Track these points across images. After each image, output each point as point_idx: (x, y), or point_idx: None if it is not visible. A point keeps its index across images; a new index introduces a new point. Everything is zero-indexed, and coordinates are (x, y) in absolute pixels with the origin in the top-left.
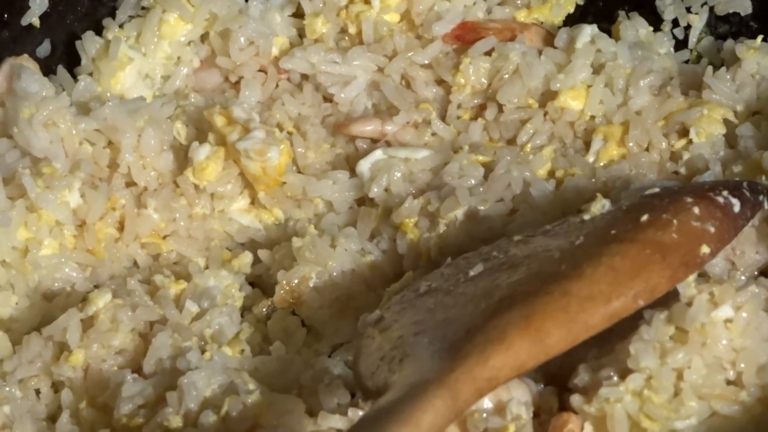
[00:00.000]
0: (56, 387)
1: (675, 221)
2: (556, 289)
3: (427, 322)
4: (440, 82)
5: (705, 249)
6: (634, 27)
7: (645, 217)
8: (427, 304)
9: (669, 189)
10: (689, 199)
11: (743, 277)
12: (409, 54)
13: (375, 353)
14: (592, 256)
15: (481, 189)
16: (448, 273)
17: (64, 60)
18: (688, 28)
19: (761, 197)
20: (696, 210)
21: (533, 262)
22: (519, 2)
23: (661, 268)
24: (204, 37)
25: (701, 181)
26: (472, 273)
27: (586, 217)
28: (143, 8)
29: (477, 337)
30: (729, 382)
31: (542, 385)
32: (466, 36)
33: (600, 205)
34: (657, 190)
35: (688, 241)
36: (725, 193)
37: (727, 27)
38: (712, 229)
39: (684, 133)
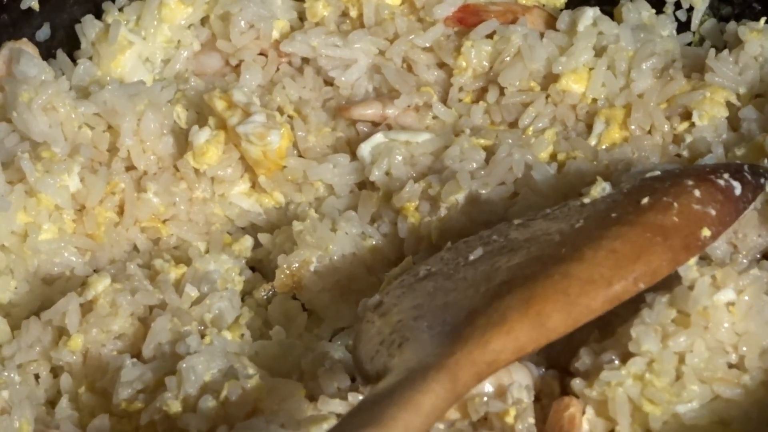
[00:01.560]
0: (55, 372)
1: (676, 204)
2: (556, 272)
3: (427, 306)
4: (441, 65)
5: (706, 232)
6: (636, 9)
7: (645, 200)
8: (427, 288)
9: (670, 172)
10: (690, 182)
11: (745, 261)
12: (411, 37)
13: (374, 338)
14: (592, 240)
15: (482, 172)
16: (448, 257)
17: (63, 44)
18: (690, 10)
19: (762, 180)
20: (697, 193)
21: (533, 245)
22: None
23: (662, 251)
24: (204, 21)
25: (702, 164)
26: (471, 257)
27: (587, 200)
28: None
29: (477, 320)
30: (731, 366)
31: (543, 369)
32: (467, 19)
33: (600, 189)
34: (658, 173)
35: (689, 224)
36: (726, 176)
37: (730, 9)
38: (713, 212)
39: (686, 116)
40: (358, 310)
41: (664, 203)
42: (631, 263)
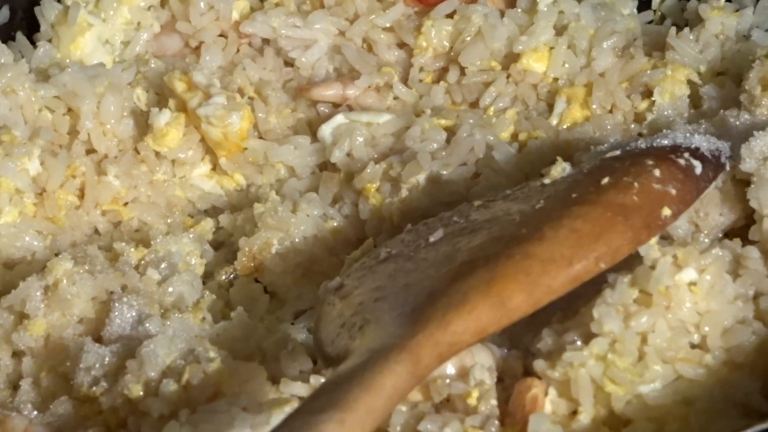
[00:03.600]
0: (17, 356)
1: (636, 183)
2: (517, 252)
3: (388, 288)
4: (402, 45)
5: (666, 211)
6: None
7: (606, 180)
8: (388, 270)
9: (630, 151)
10: (650, 162)
11: (707, 240)
12: (371, 17)
13: (336, 320)
14: (553, 219)
15: (443, 153)
16: (409, 239)
17: (23, 26)
18: None
19: (723, 158)
20: (657, 172)
21: (494, 226)
22: None
23: (622, 231)
24: (164, 2)
25: (663, 144)
26: (432, 239)
27: (547, 180)
28: None
29: (438, 301)
30: (693, 346)
31: (506, 350)
32: None
33: (560, 169)
34: (618, 152)
35: (650, 204)
36: (687, 155)
37: None
38: (674, 191)
39: (648, 94)
40: (319, 293)
41: (624, 183)
42: (592, 242)
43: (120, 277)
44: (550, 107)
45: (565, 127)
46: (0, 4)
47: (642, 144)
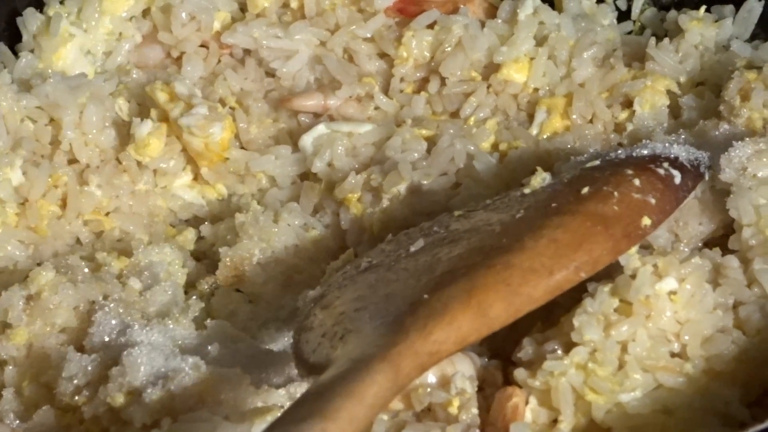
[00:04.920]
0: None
1: (616, 193)
2: (497, 262)
3: (369, 298)
4: (383, 55)
5: (646, 221)
6: None
7: (586, 190)
8: (369, 279)
9: (610, 161)
10: (630, 172)
11: (687, 249)
12: (352, 27)
13: (317, 330)
14: (533, 229)
15: (424, 163)
16: (390, 249)
17: (5, 37)
18: None
19: (702, 168)
20: (637, 182)
21: (474, 236)
22: None
23: (602, 240)
24: (145, 13)
25: (642, 154)
26: (413, 248)
27: (527, 190)
28: None
29: (419, 311)
30: (673, 355)
31: (486, 359)
32: (408, 9)
33: (540, 179)
34: (598, 162)
35: (630, 213)
36: (666, 164)
37: None
38: (653, 201)
39: (628, 104)
40: (299, 303)
41: (604, 192)
42: (572, 252)
43: (102, 287)
44: (531, 117)
45: (545, 137)
46: None
47: (622, 154)
